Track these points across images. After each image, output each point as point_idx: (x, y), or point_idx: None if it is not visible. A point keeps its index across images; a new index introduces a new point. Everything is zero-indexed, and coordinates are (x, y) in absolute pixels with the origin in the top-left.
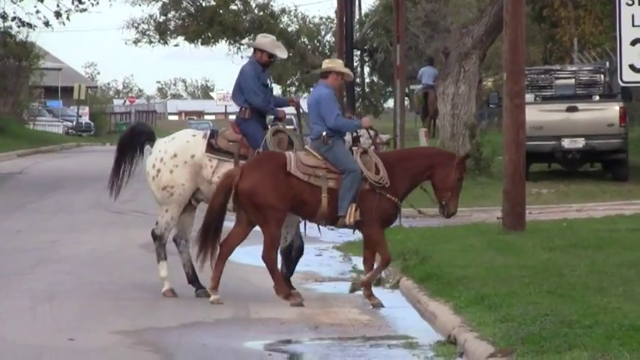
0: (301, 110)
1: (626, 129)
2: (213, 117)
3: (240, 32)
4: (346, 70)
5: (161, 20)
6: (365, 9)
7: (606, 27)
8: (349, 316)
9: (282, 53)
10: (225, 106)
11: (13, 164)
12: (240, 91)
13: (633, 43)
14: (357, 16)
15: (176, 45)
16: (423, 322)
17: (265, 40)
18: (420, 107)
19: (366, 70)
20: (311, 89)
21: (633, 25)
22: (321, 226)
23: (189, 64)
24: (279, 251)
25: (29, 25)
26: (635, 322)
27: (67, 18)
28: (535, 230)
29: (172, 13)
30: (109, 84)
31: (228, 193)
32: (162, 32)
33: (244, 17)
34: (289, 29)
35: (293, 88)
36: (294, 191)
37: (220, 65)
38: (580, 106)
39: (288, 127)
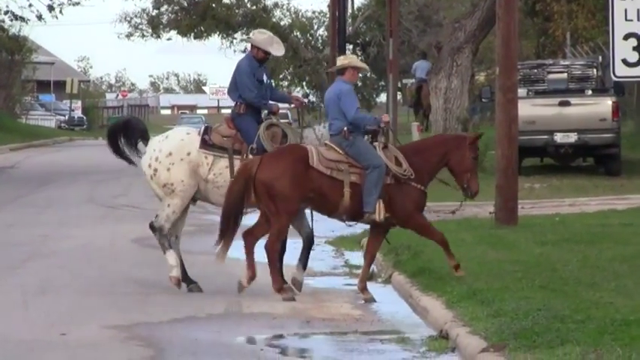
0: (306, 102)
1: (618, 123)
2: (205, 111)
3: (232, 26)
4: (362, 65)
5: (154, 14)
6: (358, 3)
7: (599, 21)
8: (341, 311)
9: (277, 51)
10: (218, 100)
11: (5, 158)
12: (235, 87)
13: (626, 37)
14: (349, 10)
15: (169, 39)
16: (415, 316)
17: (262, 36)
18: (412, 101)
19: None
20: (304, 83)
21: (626, 20)
22: (343, 222)
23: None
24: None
25: (22, 19)
26: (628, 316)
27: (60, 11)
28: (527, 225)
29: (165, 7)
30: (101, 78)
31: (246, 182)
32: (155, 26)
33: (237, 11)
34: (282, 23)
35: (286, 82)
36: (313, 185)
37: (213, 59)
38: (572, 100)
39: (282, 120)
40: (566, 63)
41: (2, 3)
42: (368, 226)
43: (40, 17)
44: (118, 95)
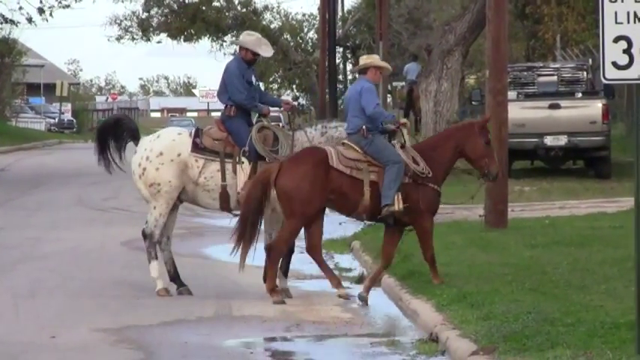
0: (296, 105)
1: (608, 126)
2: (195, 114)
3: (222, 29)
4: (384, 64)
5: (144, 17)
6: (348, 6)
7: (589, 24)
8: (331, 314)
9: (266, 52)
10: (208, 103)
11: None
12: (225, 89)
13: (616, 40)
14: (339, 13)
15: (159, 42)
16: (405, 319)
17: (250, 38)
18: (402, 103)
19: (349, 67)
20: (294, 86)
21: (616, 22)
22: (362, 221)
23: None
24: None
25: (12, 22)
26: (617, 319)
27: (50, 14)
28: (517, 228)
29: (155, 9)
30: (91, 81)
31: (265, 187)
32: (145, 29)
33: (227, 14)
34: (272, 26)
35: (276, 85)
36: (333, 186)
37: (203, 62)
38: (562, 103)
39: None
40: (556, 66)
41: None
42: (359, 229)
43: (30, 20)
44: (107, 98)
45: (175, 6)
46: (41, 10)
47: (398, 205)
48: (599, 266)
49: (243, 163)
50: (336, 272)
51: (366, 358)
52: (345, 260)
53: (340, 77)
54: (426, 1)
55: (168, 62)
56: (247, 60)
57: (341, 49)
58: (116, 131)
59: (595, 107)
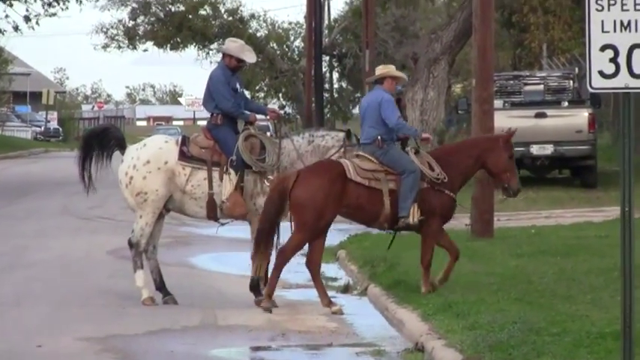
0: (282, 113)
1: (595, 135)
2: (181, 122)
3: (209, 37)
4: (400, 74)
5: (130, 25)
6: (334, 14)
7: (575, 33)
8: (317, 324)
9: (250, 58)
10: (194, 111)
11: None
12: (210, 98)
13: (602, 48)
14: (326, 22)
15: (145, 50)
16: (391, 329)
17: (234, 44)
18: None
19: (335, 75)
20: (280, 95)
21: (603, 31)
22: (383, 230)
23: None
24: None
25: None
26: (603, 329)
27: (37, 22)
28: (503, 237)
29: (141, 18)
30: (77, 89)
31: (282, 198)
32: (132, 37)
33: (213, 22)
34: (258, 34)
35: (262, 94)
36: (352, 198)
37: (189, 71)
38: (549, 112)
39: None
40: (543, 74)
41: None
42: (344, 238)
43: (16, 28)
44: (94, 106)
45: (162, 14)
46: (27, 19)
47: (413, 217)
48: (585, 276)
49: (230, 173)
50: (322, 281)
51: None
52: (330, 269)
53: (326, 86)
54: (413, 10)
55: (155, 70)
56: (232, 67)
57: (327, 58)
58: (102, 140)
59: (581, 116)
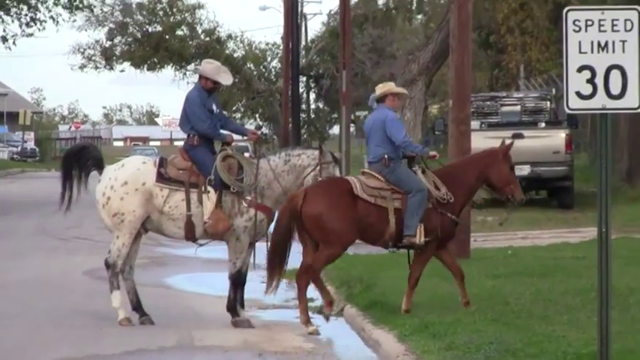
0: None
1: (572, 156)
2: (158, 143)
3: (186, 58)
4: (401, 90)
5: (107, 45)
6: (311, 35)
7: (552, 53)
8: (293, 344)
9: (226, 80)
10: (171, 132)
11: None
12: (187, 119)
13: (580, 69)
14: (303, 42)
15: (122, 70)
16: (367, 350)
17: (209, 66)
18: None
19: (312, 96)
20: (257, 115)
21: (580, 52)
22: (387, 248)
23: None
24: (228, 277)
25: None
26: (580, 350)
27: (14, 43)
28: (480, 258)
29: (118, 38)
30: (54, 109)
31: (292, 216)
32: (109, 57)
33: (190, 43)
34: (235, 55)
35: (239, 114)
36: (359, 215)
37: (166, 91)
38: (526, 133)
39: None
40: (520, 95)
41: None
42: None
43: None
44: (70, 127)
45: (139, 35)
46: (4, 39)
47: (419, 237)
48: (561, 296)
49: (209, 192)
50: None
51: None
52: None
53: (303, 106)
54: (390, 31)
55: (132, 91)
56: (207, 88)
57: (304, 78)
58: (80, 159)
59: (558, 137)
